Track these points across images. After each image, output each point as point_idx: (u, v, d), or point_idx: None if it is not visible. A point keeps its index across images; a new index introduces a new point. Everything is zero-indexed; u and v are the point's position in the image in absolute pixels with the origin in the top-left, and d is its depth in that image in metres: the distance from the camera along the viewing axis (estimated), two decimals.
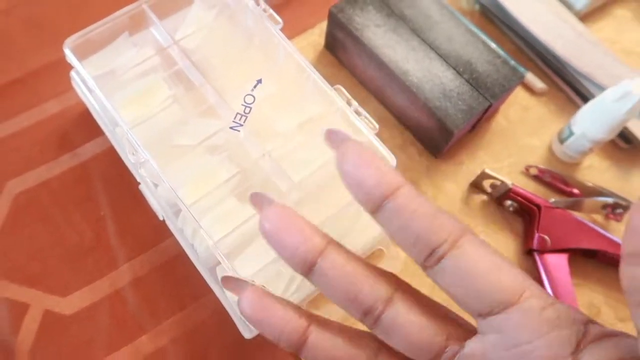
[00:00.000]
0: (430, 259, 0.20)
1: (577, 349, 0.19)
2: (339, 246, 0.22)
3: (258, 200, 0.23)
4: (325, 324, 0.23)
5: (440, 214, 0.20)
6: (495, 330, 0.20)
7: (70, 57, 0.38)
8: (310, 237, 0.21)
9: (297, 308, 0.23)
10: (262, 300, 0.23)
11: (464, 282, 0.20)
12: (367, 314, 0.21)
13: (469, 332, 0.22)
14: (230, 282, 0.24)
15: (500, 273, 0.20)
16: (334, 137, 0.22)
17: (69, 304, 0.39)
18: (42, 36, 0.48)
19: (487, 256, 0.20)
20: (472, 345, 0.21)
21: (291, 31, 0.50)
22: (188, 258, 0.39)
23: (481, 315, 0.20)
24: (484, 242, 0.21)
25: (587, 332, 0.19)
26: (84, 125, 0.45)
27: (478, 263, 0.20)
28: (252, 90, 0.39)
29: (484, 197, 0.45)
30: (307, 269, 0.21)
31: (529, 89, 0.50)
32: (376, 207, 0.20)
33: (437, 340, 0.21)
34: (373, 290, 0.21)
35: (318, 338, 0.23)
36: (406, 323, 0.21)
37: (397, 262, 0.40)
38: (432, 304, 0.23)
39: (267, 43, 0.42)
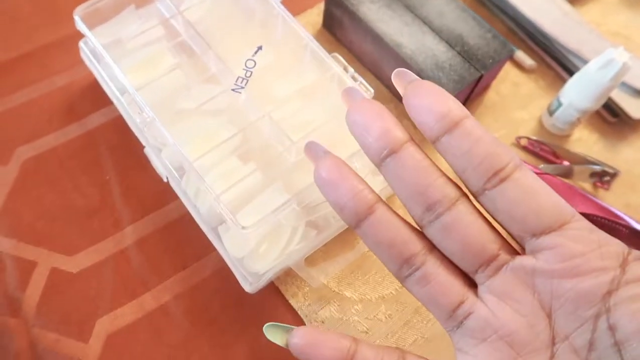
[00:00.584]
0: (492, 180, 0.21)
1: (625, 262, 0.21)
2: (417, 146, 0.23)
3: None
4: (389, 207, 0.24)
5: (500, 142, 0.22)
6: (548, 247, 0.21)
7: (80, 24, 0.40)
8: (391, 129, 0.22)
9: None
10: (339, 166, 0.23)
11: (527, 200, 0.21)
12: (430, 208, 0.22)
13: (518, 252, 0.23)
14: (311, 147, 0.25)
15: (556, 194, 0.22)
16: (401, 78, 0.23)
17: (75, 263, 0.40)
18: (51, 13, 0.50)
19: (541, 180, 0.22)
20: (523, 260, 0.22)
21: (290, 11, 0.52)
22: (191, 219, 0.40)
23: (535, 234, 0.21)
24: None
25: (629, 252, 0.21)
26: (91, 96, 0.47)
27: (540, 183, 0.22)
28: (253, 55, 0.40)
29: None
30: (386, 155, 0.22)
31: (519, 66, 0.52)
32: (441, 134, 0.22)
33: (491, 247, 0.22)
34: (443, 187, 0.22)
35: (383, 215, 0.23)
36: (467, 223, 0.22)
37: None
38: (488, 221, 0.24)
39: (267, 15, 0.44)
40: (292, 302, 0.40)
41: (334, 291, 0.41)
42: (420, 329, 0.40)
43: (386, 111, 0.23)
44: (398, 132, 0.22)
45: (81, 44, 0.44)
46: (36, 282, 0.39)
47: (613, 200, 0.46)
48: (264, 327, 0.25)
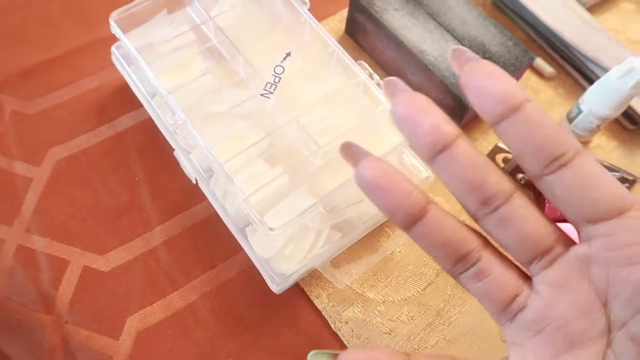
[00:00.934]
0: (551, 166, 0.21)
1: None
2: (468, 141, 0.22)
3: (391, 86, 0.23)
4: (438, 206, 0.23)
5: (562, 129, 0.22)
6: (604, 234, 0.21)
7: (115, 28, 0.41)
8: (442, 124, 0.22)
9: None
10: (385, 168, 0.22)
11: (585, 188, 0.21)
12: (485, 203, 0.22)
13: (573, 242, 0.23)
14: (348, 148, 0.23)
15: (617, 181, 0.21)
16: (458, 57, 0.22)
17: (106, 262, 0.42)
18: (83, 19, 0.52)
19: (602, 167, 0.22)
20: (577, 249, 0.22)
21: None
22: (218, 220, 0.41)
23: (591, 221, 0.21)
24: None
25: None
26: (121, 99, 0.48)
27: (600, 170, 0.21)
28: (282, 61, 0.41)
29: None
30: (438, 151, 0.22)
31: (539, 73, 0.52)
32: (503, 117, 0.21)
33: (547, 240, 0.22)
34: (499, 182, 0.22)
35: (436, 215, 0.22)
36: (523, 216, 0.22)
37: None
38: (543, 214, 0.23)
39: (294, 22, 0.45)
40: (317, 302, 0.41)
41: (357, 293, 0.41)
42: (442, 331, 0.41)
43: (433, 104, 0.22)
44: (449, 127, 0.22)
45: (113, 48, 0.45)
46: (69, 280, 0.41)
47: None
48: (308, 356, 0.25)
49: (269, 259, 0.39)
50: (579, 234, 0.23)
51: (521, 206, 0.22)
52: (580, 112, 0.47)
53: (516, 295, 0.23)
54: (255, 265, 0.40)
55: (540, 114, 0.21)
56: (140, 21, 0.44)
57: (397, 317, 0.41)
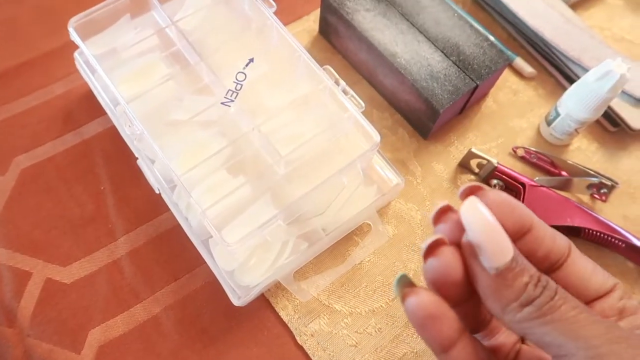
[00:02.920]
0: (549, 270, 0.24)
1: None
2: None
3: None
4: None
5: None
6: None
7: (74, 35, 0.40)
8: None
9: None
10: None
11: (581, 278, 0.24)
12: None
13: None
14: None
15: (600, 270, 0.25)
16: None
17: (69, 273, 0.41)
18: (51, 22, 0.51)
19: (589, 260, 0.25)
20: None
21: (287, 17, 0.52)
22: (182, 231, 0.41)
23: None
24: None
25: None
26: (87, 105, 0.47)
27: (586, 262, 0.25)
28: (244, 68, 0.40)
29: (472, 177, 0.46)
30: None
31: (519, 73, 0.51)
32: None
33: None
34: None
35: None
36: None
37: (384, 236, 0.42)
38: None
39: (261, 26, 0.44)
40: (282, 314, 0.40)
41: (324, 304, 0.41)
42: (410, 343, 0.40)
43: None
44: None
45: (76, 54, 0.44)
46: (31, 293, 0.40)
47: (611, 211, 0.45)
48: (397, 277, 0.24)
49: (232, 271, 0.39)
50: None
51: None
52: (558, 115, 0.45)
53: None
54: (218, 278, 0.39)
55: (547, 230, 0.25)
56: (103, 26, 0.43)
57: (364, 329, 0.40)
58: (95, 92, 0.44)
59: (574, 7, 0.53)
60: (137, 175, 0.43)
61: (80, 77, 0.47)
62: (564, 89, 0.50)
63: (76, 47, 0.44)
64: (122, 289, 0.41)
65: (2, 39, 0.50)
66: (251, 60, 0.41)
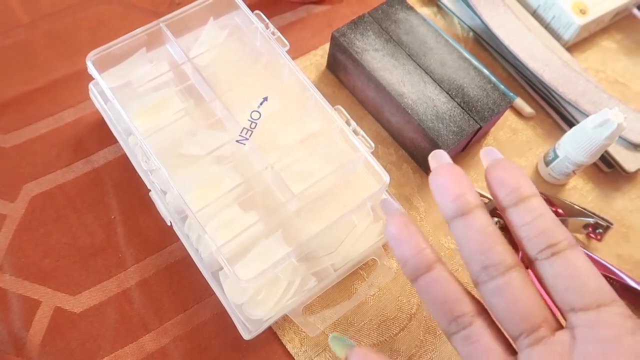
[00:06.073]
0: (544, 252, 0.25)
1: None
2: (486, 212, 0.26)
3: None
4: (447, 268, 0.27)
5: (560, 223, 0.25)
6: (585, 325, 0.23)
7: (92, 69, 0.41)
8: (466, 193, 0.26)
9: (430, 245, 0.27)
10: (407, 225, 0.27)
11: (571, 277, 0.24)
12: (486, 269, 0.25)
13: (559, 325, 0.25)
14: (385, 204, 0.29)
15: (601, 278, 0.24)
16: (487, 154, 0.29)
17: (78, 302, 0.41)
18: (63, 49, 0.51)
19: (590, 262, 0.25)
20: (562, 334, 0.24)
21: (295, 51, 0.53)
22: (192, 262, 0.41)
23: (574, 309, 0.24)
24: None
25: None
26: (99, 133, 0.48)
27: (587, 263, 0.24)
28: (259, 107, 0.41)
29: None
30: (457, 215, 0.26)
31: (518, 113, 0.53)
32: (509, 205, 0.25)
33: (536, 318, 0.24)
34: (502, 253, 0.25)
35: (440, 273, 0.26)
36: (517, 289, 0.25)
37: (389, 271, 0.43)
38: (538, 292, 0.26)
39: (273, 63, 0.45)
40: (289, 347, 0.41)
41: None
42: None
43: (464, 177, 0.27)
44: (470, 197, 0.26)
45: (91, 85, 0.45)
46: (40, 322, 0.40)
47: (605, 250, 0.47)
48: (329, 337, 0.31)
49: (242, 304, 0.40)
50: (564, 318, 0.25)
51: (517, 280, 0.25)
52: (556, 156, 0.47)
53: None
54: (227, 310, 0.40)
55: (543, 207, 0.25)
56: (119, 59, 0.43)
57: None
58: (107, 122, 0.45)
59: (570, 49, 0.55)
60: (148, 205, 0.44)
61: (92, 104, 0.48)
62: (561, 129, 0.52)
63: (88, 74, 0.45)
64: (131, 319, 0.41)
65: (14, 64, 0.50)
66: (265, 99, 0.42)
